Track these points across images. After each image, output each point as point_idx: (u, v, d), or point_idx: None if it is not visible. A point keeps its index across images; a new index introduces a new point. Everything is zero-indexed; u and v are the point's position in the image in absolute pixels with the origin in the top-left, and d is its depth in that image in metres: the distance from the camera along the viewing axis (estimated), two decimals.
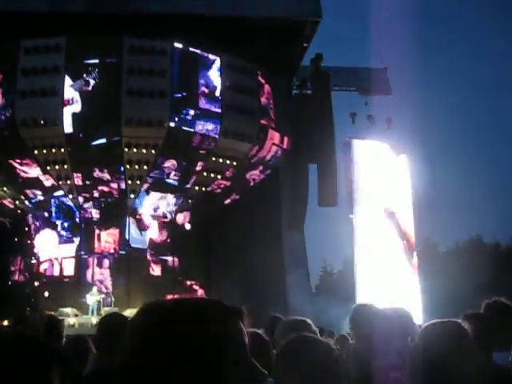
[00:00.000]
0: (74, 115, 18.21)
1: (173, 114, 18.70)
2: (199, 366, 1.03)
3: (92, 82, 18.54)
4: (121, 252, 20.41)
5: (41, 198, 20.58)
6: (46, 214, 20.95)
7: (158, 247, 21.18)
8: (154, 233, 21.22)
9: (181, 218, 21.74)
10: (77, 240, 20.66)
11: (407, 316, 4.29)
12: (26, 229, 21.73)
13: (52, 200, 20.54)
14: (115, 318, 4.01)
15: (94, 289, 19.12)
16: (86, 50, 18.77)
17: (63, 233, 20.91)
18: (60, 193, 20.09)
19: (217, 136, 19.13)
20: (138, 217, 20.67)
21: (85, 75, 18.45)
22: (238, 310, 1.14)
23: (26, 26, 18.07)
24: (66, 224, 20.88)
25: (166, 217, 21.26)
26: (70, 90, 18.33)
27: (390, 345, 3.28)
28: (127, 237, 20.41)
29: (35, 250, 21.18)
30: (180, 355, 1.03)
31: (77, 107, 18.29)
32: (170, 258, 21.30)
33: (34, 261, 20.95)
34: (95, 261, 20.30)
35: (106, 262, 20.33)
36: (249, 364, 1.10)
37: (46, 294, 19.80)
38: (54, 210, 20.77)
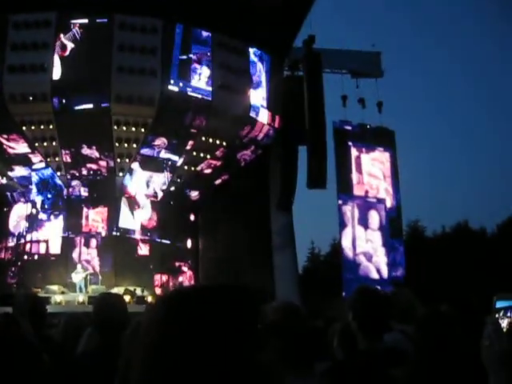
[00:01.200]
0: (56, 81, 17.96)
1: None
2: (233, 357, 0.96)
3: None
4: (113, 233, 20.29)
5: (26, 174, 20.37)
6: (34, 191, 20.79)
7: (149, 228, 21.13)
8: (145, 213, 21.15)
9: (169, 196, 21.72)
10: (63, 218, 20.56)
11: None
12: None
13: (38, 177, 20.37)
14: (111, 298, 4.07)
15: (79, 266, 19.09)
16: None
17: (49, 211, 20.78)
18: (48, 171, 19.94)
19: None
20: (128, 195, 20.59)
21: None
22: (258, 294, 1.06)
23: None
24: (52, 201, 20.76)
25: (156, 196, 21.20)
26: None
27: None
28: (123, 218, 20.36)
29: (20, 228, 21.05)
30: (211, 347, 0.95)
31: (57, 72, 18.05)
32: (158, 240, 21.26)
33: (21, 239, 20.79)
34: (82, 240, 20.20)
35: (94, 242, 20.23)
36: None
37: (33, 271, 19.72)
38: (40, 186, 20.62)
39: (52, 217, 20.70)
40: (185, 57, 19.12)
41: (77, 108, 18.10)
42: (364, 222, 22.96)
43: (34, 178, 20.38)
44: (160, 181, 20.82)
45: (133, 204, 20.76)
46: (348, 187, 23.17)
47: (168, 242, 21.47)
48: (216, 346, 0.95)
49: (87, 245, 20.12)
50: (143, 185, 20.68)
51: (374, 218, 23.21)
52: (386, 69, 25.25)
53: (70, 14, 18.58)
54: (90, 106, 18.23)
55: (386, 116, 25.52)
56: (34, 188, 20.71)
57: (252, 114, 20.13)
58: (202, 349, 0.95)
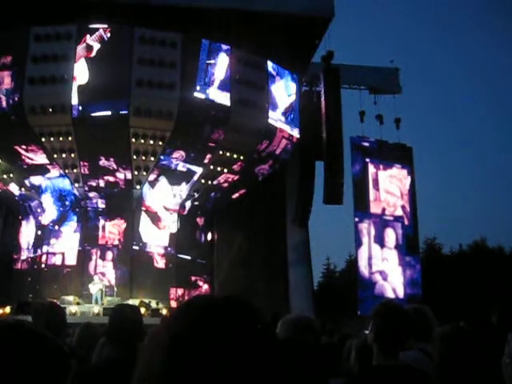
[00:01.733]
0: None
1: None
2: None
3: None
4: (133, 247, 20.34)
5: (43, 185, 20.49)
6: (50, 202, 20.90)
7: (174, 243, 21.20)
8: (168, 227, 21.19)
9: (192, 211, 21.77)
10: (80, 230, 20.61)
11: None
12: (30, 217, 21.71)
13: (55, 187, 20.48)
14: (126, 309, 4.07)
15: (96, 278, 19.14)
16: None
17: (66, 222, 20.86)
18: (65, 181, 20.05)
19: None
20: (146, 209, 20.66)
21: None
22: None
23: (37, 11, 18.00)
24: (69, 213, 20.85)
25: (176, 209, 21.26)
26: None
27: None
28: (139, 231, 20.41)
29: (36, 239, 21.15)
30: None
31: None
32: (174, 253, 21.23)
33: (37, 250, 20.88)
34: (98, 253, 20.23)
35: (110, 255, 20.22)
36: None
37: (49, 282, 19.79)
38: (57, 197, 20.72)
39: (68, 228, 20.74)
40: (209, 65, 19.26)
41: (94, 115, 18.14)
42: (380, 241, 22.83)
43: (51, 188, 20.47)
44: (177, 194, 20.84)
45: (154, 218, 20.81)
46: (365, 204, 23.06)
47: (184, 256, 21.44)
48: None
49: (103, 257, 20.12)
50: (163, 198, 20.71)
51: (391, 236, 23.07)
52: (405, 85, 25.27)
53: (89, 27, 18.75)
54: (108, 113, 18.31)
55: (404, 132, 25.48)
56: (51, 199, 20.80)
57: (270, 129, 20.15)
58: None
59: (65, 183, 20.13)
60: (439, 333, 3.10)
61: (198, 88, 18.76)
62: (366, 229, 22.74)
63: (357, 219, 22.78)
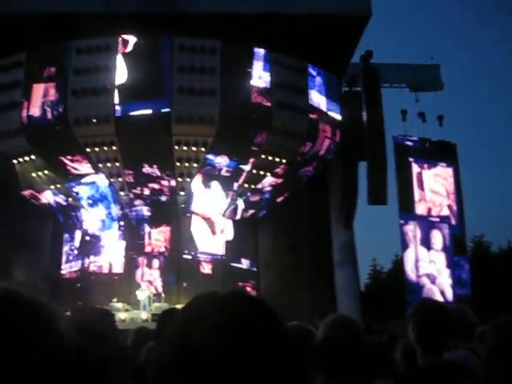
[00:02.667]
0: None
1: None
2: None
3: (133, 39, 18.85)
4: (183, 256, 20.46)
5: (89, 194, 20.80)
6: (97, 211, 21.19)
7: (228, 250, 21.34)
8: (224, 234, 21.32)
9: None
10: (126, 238, 20.86)
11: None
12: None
13: (101, 197, 20.76)
14: (174, 312, 4.11)
15: (143, 284, 19.35)
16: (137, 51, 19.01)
17: (112, 230, 21.13)
18: (109, 190, 20.31)
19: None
20: (202, 215, 20.79)
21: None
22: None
23: (77, 26, 18.32)
24: (115, 221, 21.11)
25: (233, 213, 21.37)
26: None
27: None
28: (190, 237, 20.54)
29: (84, 247, 21.47)
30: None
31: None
32: (221, 259, 21.28)
33: (84, 259, 21.18)
34: (145, 261, 20.43)
35: (156, 263, 20.38)
36: None
37: (97, 290, 20.05)
38: (103, 206, 21.00)
39: (113, 237, 21.02)
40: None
41: (135, 113, 18.34)
42: (427, 243, 22.49)
43: (96, 197, 20.75)
44: (222, 199, 20.94)
45: (207, 224, 20.96)
46: (410, 205, 22.73)
47: (237, 264, 21.53)
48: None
49: (149, 265, 20.28)
50: (215, 203, 20.84)
51: (437, 238, 22.71)
52: (446, 81, 24.91)
53: (128, 38, 19.05)
54: (149, 111, 18.51)
55: (448, 130, 25.08)
56: (95, 208, 21.10)
57: (312, 131, 20.09)
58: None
59: (110, 192, 20.40)
60: (493, 324, 3.01)
61: (238, 92, 18.83)
62: (412, 231, 22.43)
63: (402, 221, 22.48)
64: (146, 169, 19.44)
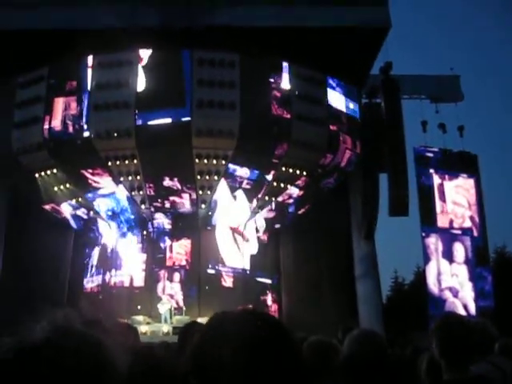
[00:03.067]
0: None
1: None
2: None
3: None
4: (208, 271, 20.48)
5: (111, 207, 20.91)
6: (117, 224, 21.29)
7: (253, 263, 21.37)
8: (251, 247, 21.39)
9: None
10: (147, 251, 20.90)
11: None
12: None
13: (122, 210, 20.86)
14: (196, 326, 4.17)
15: (164, 298, 19.35)
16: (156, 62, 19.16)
17: (133, 244, 21.18)
18: (128, 204, 20.40)
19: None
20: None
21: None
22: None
23: (100, 40, 18.51)
24: (136, 235, 21.16)
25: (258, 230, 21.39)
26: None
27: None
28: (213, 250, 20.57)
29: (105, 261, 21.56)
30: None
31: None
32: (242, 273, 21.27)
33: (106, 272, 21.24)
34: (166, 274, 20.43)
35: (177, 276, 20.36)
36: None
37: (118, 303, 20.09)
38: (123, 220, 21.10)
39: (134, 250, 21.06)
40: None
41: (153, 123, 18.41)
42: (449, 256, 22.27)
43: (117, 211, 20.84)
44: (246, 210, 20.96)
45: (235, 236, 21.02)
46: (431, 217, 22.56)
47: (251, 275, 21.48)
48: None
49: (170, 279, 20.27)
50: (240, 215, 20.86)
51: (459, 250, 22.49)
52: (466, 92, 24.79)
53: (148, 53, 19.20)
54: (169, 120, 18.56)
55: (468, 141, 24.94)
56: (116, 221, 21.20)
57: (333, 143, 20.08)
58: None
59: (130, 205, 20.48)
60: None
61: (258, 105, 18.88)
62: (434, 244, 22.24)
63: (423, 234, 22.31)
64: (167, 182, 19.51)
